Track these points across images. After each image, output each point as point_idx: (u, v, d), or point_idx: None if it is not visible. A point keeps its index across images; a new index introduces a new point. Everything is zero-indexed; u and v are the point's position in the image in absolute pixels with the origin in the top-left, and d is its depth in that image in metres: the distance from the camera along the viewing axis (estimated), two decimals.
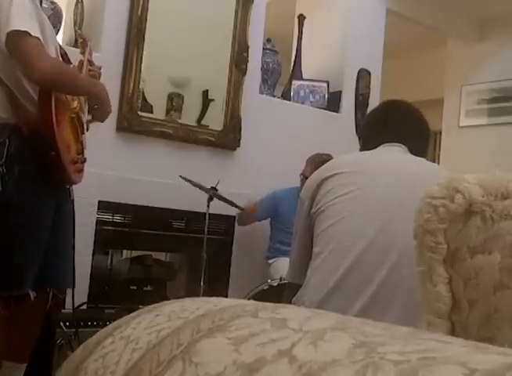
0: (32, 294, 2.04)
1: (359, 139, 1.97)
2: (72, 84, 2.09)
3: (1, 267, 2.02)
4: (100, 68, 2.36)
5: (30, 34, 1.89)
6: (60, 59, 2.16)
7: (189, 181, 3.19)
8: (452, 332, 0.86)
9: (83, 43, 2.38)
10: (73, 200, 2.23)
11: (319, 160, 3.32)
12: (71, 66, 2.22)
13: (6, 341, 2.12)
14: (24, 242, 2.03)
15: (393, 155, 1.74)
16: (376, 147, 1.78)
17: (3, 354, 2.16)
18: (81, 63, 2.26)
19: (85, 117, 2.28)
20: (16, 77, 1.99)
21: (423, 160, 1.78)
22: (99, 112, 2.22)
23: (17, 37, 1.89)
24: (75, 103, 2.13)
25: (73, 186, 2.26)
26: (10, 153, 1.97)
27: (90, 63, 2.31)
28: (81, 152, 2.19)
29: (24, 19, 1.91)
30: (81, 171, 2.19)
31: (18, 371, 2.20)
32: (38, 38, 1.92)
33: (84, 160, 2.20)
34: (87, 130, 2.30)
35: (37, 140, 1.98)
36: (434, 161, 6.32)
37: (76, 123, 2.16)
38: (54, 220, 2.11)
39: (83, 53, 2.32)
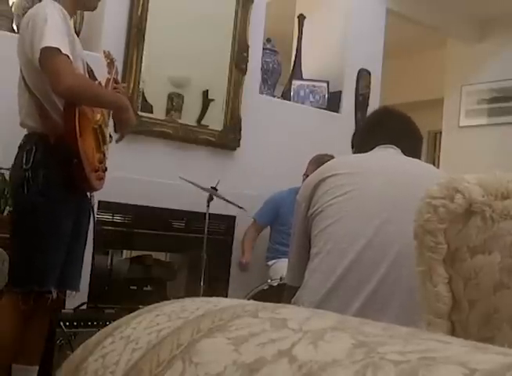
0: (54, 293, 2.13)
1: (352, 146, 2.00)
2: (95, 99, 2.25)
3: (23, 265, 2.14)
4: (124, 87, 2.53)
5: (60, 50, 2.04)
6: (87, 75, 2.33)
7: (190, 182, 3.19)
8: (452, 332, 0.86)
9: (110, 63, 2.53)
10: (92, 206, 2.38)
11: (321, 161, 3.31)
12: (96, 82, 2.37)
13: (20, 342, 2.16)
14: (46, 243, 2.14)
15: (388, 156, 1.76)
16: (371, 150, 1.80)
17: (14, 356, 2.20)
18: (108, 81, 2.41)
19: (108, 129, 2.42)
20: (45, 89, 2.14)
21: (417, 160, 1.80)
22: (120, 124, 2.35)
23: (49, 53, 2.04)
24: (98, 116, 2.29)
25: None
26: (36, 159, 2.12)
27: (115, 81, 2.46)
28: (103, 161, 2.32)
29: (56, 37, 2.06)
30: (101, 178, 2.32)
31: (31, 374, 2.24)
32: (68, 56, 2.07)
33: (105, 169, 2.34)
34: (110, 141, 2.41)
35: (62, 148, 2.12)
36: (434, 161, 6.32)
37: (98, 134, 2.30)
38: (74, 225, 2.24)
39: (110, 73, 2.47)
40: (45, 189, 2.12)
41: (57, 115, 2.16)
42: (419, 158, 1.89)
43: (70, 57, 2.09)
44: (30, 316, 2.17)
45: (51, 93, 2.14)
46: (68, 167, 2.14)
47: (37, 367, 2.27)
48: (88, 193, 2.35)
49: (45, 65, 2.06)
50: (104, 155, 2.35)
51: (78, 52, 2.25)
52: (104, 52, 2.59)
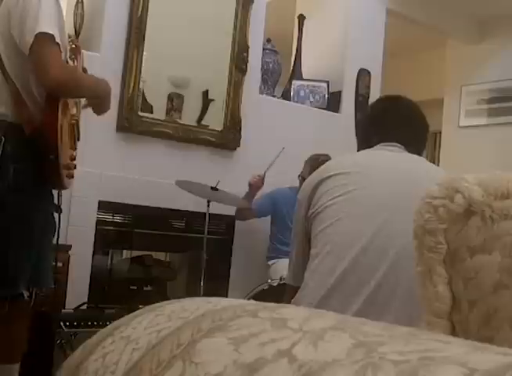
0: (25, 294, 2.05)
1: (356, 136, 1.96)
2: (79, 92, 2.14)
3: None
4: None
5: (54, 38, 1.94)
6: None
7: (186, 187, 3.19)
8: (452, 332, 0.86)
9: (75, 49, 2.36)
10: (60, 205, 2.24)
11: (316, 162, 3.31)
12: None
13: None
14: (19, 242, 2.03)
15: (390, 155, 1.73)
16: (372, 146, 1.77)
17: None
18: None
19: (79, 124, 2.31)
20: (24, 77, 2.01)
21: (421, 159, 1.77)
22: (98, 108, 2.23)
23: (43, 40, 1.93)
24: (74, 110, 2.17)
25: (72, 187, 2.27)
26: (6, 152, 1.96)
27: (84, 70, 2.33)
28: (74, 158, 2.20)
29: (51, 22, 1.95)
30: (72, 177, 2.19)
31: (11, 372, 2.20)
32: (59, 45, 1.96)
33: (75, 167, 2.21)
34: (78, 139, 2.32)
35: (38, 141, 1.99)
36: (433, 161, 6.32)
37: (74, 130, 2.20)
38: (44, 221, 2.11)
39: (76, 60, 2.32)
40: (15, 184, 1.98)
41: (33, 105, 2.02)
42: (423, 149, 1.85)
43: (61, 46, 1.98)
44: (9, 318, 2.11)
45: (30, 81, 2.02)
46: (42, 162, 2.01)
47: (18, 365, 2.23)
48: (56, 191, 2.22)
49: (36, 52, 1.93)
50: (75, 152, 2.23)
51: (65, 39, 2.12)
52: (69, 36, 2.48)
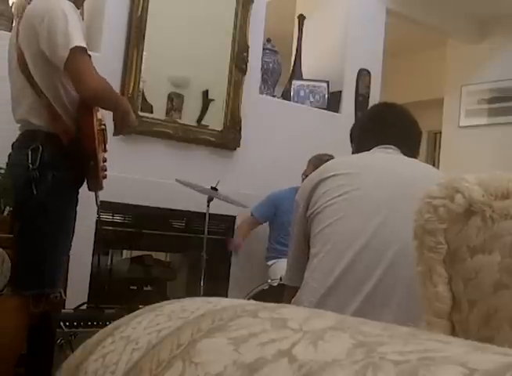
0: (63, 294, 2.13)
1: (351, 142, 2.00)
2: (110, 102, 2.23)
3: (35, 267, 2.12)
4: None
5: (87, 50, 2.04)
6: None
7: (186, 184, 3.19)
8: (452, 332, 0.86)
9: None
10: (99, 205, 2.44)
11: (321, 161, 3.31)
12: None
13: None
14: (55, 243, 2.13)
15: (387, 157, 1.76)
16: (369, 150, 1.80)
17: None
18: None
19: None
20: (54, 88, 2.11)
21: (416, 161, 1.81)
22: (121, 126, 2.32)
23: (77, 54, 2.02)
24: (99, 115, 2.26)
25: None
26: (44, 160, 2.08)
27: None
28: (106, 160, 2.33)
29: (80, 35, 2.05)
30: (105, 177, 2.33)
31: None
32: (90, 56, 2.07)
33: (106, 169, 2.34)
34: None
35: (76, 150, 2.11)
36: (433, 161, 6.32)
37: (103, 134, 2.30)
38: (73, 225, 2.24)
39: None
40: (53, 190, 2.09)
41: (65, 115, 2.13)
42: (418, 153, 1.89)
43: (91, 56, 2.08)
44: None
45: (60, 92, 2.11)
46: (81, 168, 2.14)
47: None
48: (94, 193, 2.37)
49: (72, 65, 2.02)
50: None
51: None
52: None
